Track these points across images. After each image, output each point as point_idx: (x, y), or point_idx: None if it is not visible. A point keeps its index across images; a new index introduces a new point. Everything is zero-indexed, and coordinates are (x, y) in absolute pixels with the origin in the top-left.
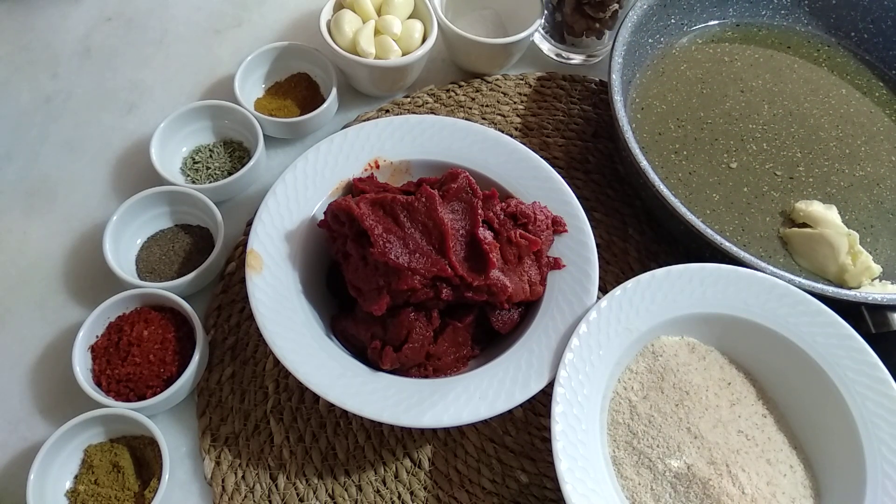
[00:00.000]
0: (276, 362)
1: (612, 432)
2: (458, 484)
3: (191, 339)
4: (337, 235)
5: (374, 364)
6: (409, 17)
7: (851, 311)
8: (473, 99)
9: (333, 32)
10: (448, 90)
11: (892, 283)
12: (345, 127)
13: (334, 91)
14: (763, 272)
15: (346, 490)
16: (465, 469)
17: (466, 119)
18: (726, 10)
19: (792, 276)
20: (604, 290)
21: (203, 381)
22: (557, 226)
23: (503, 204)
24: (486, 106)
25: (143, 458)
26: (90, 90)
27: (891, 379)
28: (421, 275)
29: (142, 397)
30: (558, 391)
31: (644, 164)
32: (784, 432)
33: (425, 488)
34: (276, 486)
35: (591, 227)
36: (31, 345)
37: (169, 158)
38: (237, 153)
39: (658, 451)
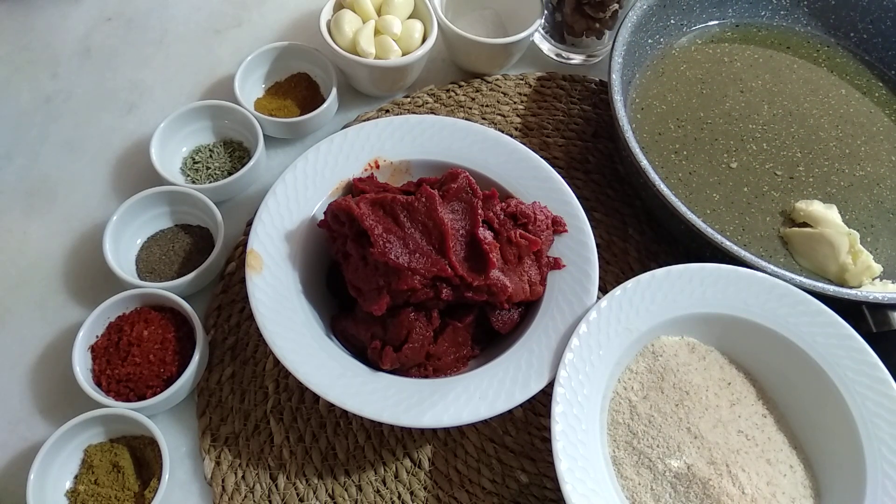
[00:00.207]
0: (276, 362)
1: (612, 432)
2: (458, 484)
3: (191, 339)
4: (337, 235)
5: (374, 364)
6: (409, 17)
7: (852, 311)
8: (473, 99)
9: (333, 32)
10: (448, 90)
11: (893, 283)
12: (345, 127)
13: (334, 91)
14: (764, 272)
15: (346, 490)
16: (465, 469)
17: (466, 119)
18: (726, 11)
19: (793, 276)
20: (604, 290)
21: (203, 381)
22: (557, 226)
23: (503, 204)
24: (486, 106)
25: (143, 458)
26: (90, 90)
27: (891, 379)
28: (421, 275)
29: (142, 397)
30: (558, 391)
31: (644, 163)
32: (784, 432)
33: (425, 488)
34: (276, 486)
35: (591, 227)
36: (31, 345)
37: (169, 158)
38: (237, 153)
39: (658, 451)
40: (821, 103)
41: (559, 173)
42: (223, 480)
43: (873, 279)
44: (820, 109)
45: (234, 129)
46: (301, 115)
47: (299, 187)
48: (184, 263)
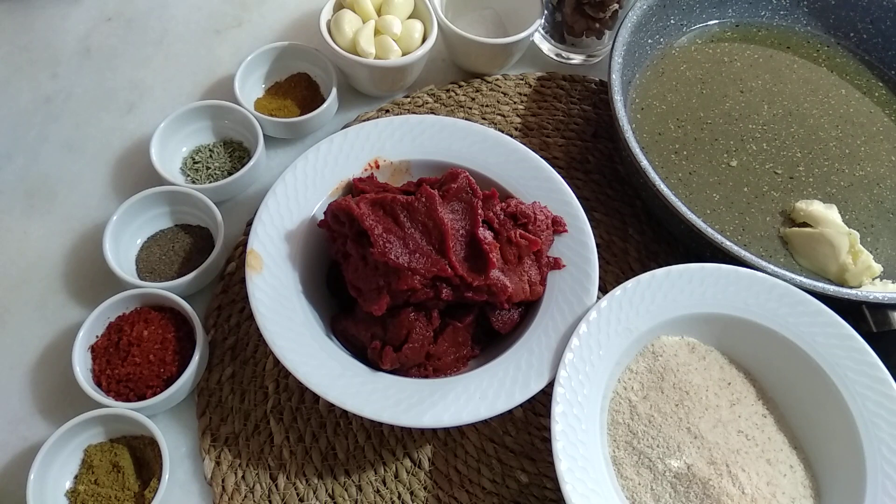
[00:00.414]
0: (276, 362)
1: (612, 432)
2: (458, 484)
3: (191, 339)
4: (337, 235)
5: (374, 364)
6: (409, 17)
7: (852, 311)
8: (473, 99)
9: (333, 32)
10: (448, 90)
11: (893, 283)
12: (345, 127)
13: (334, 91)
14: (764, 272)
15: (346, 490)
16: (465, 469)
17: (466, 119)
18: (725, 11)
19: (793, 276)
20: (604, 290)
21: (203, 381)
22: (557, 226)
23: (503, 204)
24: (486, 106)
25: (143, 458)
26: (90, 90)
27: (891, 379)
28: (421, 275)
29: (142, 397)
30: (558, 391)
31: (644, 163)
32: (784, 432)
33: (425, 488)
34: (276, 486)
35: (591, 227)
36: (31, 345)
37: (169, 158)
38: (237, 153)
39: (658, 451)
40: (821, 103)
41: (559, 173)
42: (223, 480)
43: (873, 279)
44: (820, 109)
45: (234, 129)
46: (301, 115)
47: (299, 187)
48: (184, 263)
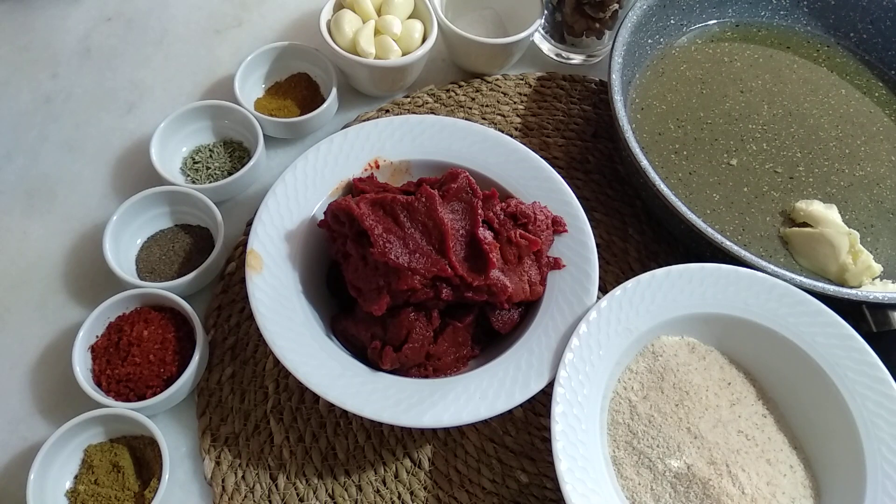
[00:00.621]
0: (276, 362)
1: (612, 432)
2: (458, 484)
3: (191, 339)
4: (337, 235)
5: (374, 364)
6: (409, 17)
7: (852, 311)
8: (473, 99)
9: (333, 32)
10: (448, 90)
11: (893, 282)
12: (345, 127)
13: (334, 91)
14: (764, 272)
15: (346, 490)
16: (465, 469)
17: (466, 119)
18: (725, 11)
19: (793, 276)
20: (604, 290)
21: (203, 381)
22: (557, 226)
23: (503, 204)
24: (486, 106)
25: (143, 458)
26: (90, 90)
27: (891, 379)
28: (421, 275)
29: (142, 397)
30: (558, 391)
31: (644, 163)
32: (784, 432)
33: (425, 488)
34: (276, 486)
35: (591, 227)
36: (31, 345)
37: (169, 158)
38: (237, 153)
39: (658, 451)
40: (821, 103)
41: (559, 173)
42: (223, 480)
43: (873, 279)
44: (820, 109)
45: (234, 129)
46: (301, 115)
47: (299, 187)
48: (184, 263)
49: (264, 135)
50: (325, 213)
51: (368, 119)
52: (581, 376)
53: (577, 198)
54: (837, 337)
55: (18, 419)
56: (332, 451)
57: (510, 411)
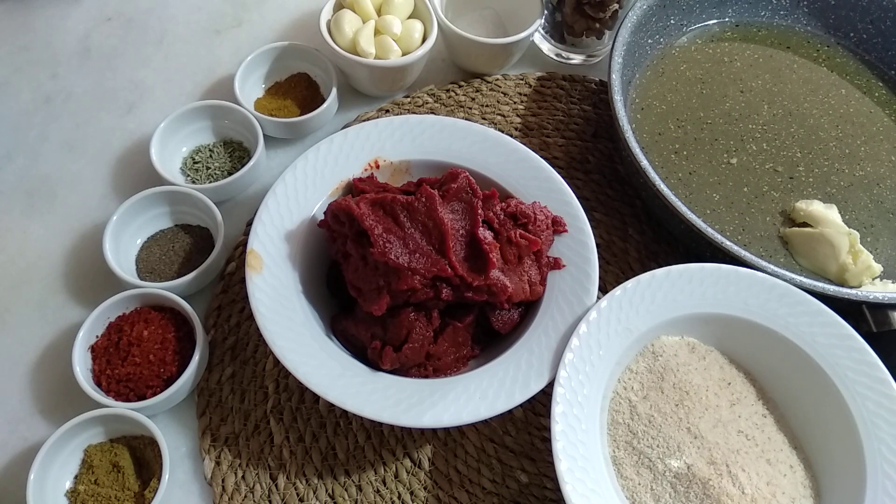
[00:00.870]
0: (276, 362)
1: (612, 432)
2: (458, 484)
3: (191, 339)
4: (337, 235)
5: (374, 364)
6: (409, 17)
7: (852, 311)
8: (473, 99)
9: (333, 32)
10: (448, 90)
11: (893, 282)
12: (345, 127)
13: (334, 91)
14: (764, 272)
15: (346, 490)
16: (465, 469)
17: (466, 119)
18: (725, 11)
19: (793, 276)
20: (604, 290)
21: (203, 381)
22: (557, 226)
23: (503, 204)
24: (486, 106)
25: (143, 458)
26: (90, 90)
27: (891, 379)
28: (421, 275)
29: (142, 397)
30: (558, 391)
31: (644, 163)
32: (784, 432)
33: (425, 488)
34: (276, 486)
35: (591, 227)
36: (31, 345)
37: (169, 158)
38: (237, 153)
39: (658, 451)
40: (821, 103)
41: (559, 173)
42: (223, 480)
43: (873, 279)
44: (820, 109)
45: (234, 129)
46: (301, 115)
47: (299, 187)
48: (184, 263)
49: (264, 135)
50: (325, 213)
51: (368, 119)
52: (581, 376)
53: (577, 198)
54: (837, 337)
55: (18, 419)
56: (332, 451)
57: (510, 411)
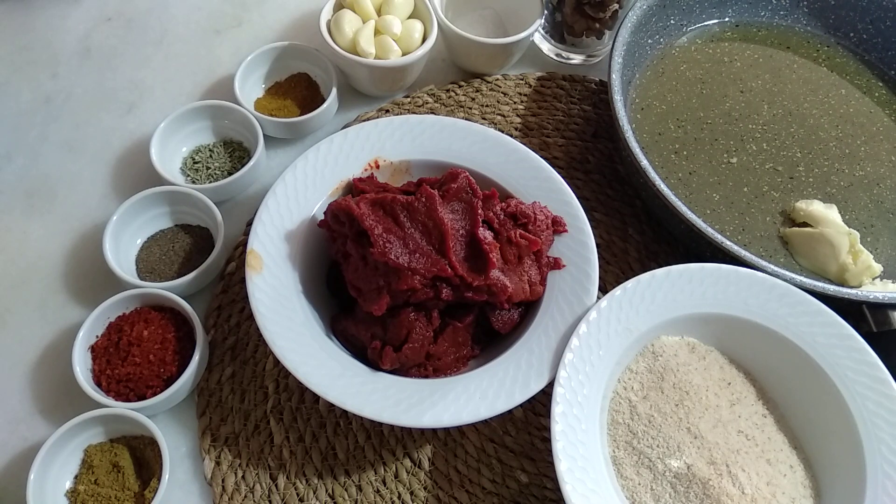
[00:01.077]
0: (276, 362)
1: (612, 432)
2: (458, 484)
3: (191, 339)
4: (337, 235)
5: (374, 364)
6: (409, 17)
7: (852, 311)
8: (473, 99)
9: (333, 32)
10: (448, 90)
11: (893, 282)
12: (345, 127)
13: (334, 91)
14: (764, 272)
15: (346, 490)
16: (465, 469)
17: (466, 119)
18: (725, 11)
19: (793, 276)
20: (604, 290)
21: (203, 381)
22: (557, 226)
23: (503, 204)
24: (486, 106)
25: (143, 458)
26: (90, 90)
27: (891, 379)
28: (421, 275)
29: (142, 397)
30: (558, 391)
31: (644, 163)
32: (784, 432)
33: (425, 488)
34: (276, 486)
35: (591, 227)
36: (31, 345)
37: (169, 158)
38: (237, 153)
39: (658, 451)
40: (821, 103)
41: (559, 173)
42: (223, 480)
43: (873, 279)
44: (820, 109)
45: (234, 129)
46: (301, 115)
47: (299, 187)
48: (184, 263)
49: (264, 135)
50: (325, 213)
51: (368, 119)
52: (581, 376)
53: (577, 198)
54: (837, 337)
55: (18, 419)
56: (332, 451)
57: (510, 411)
